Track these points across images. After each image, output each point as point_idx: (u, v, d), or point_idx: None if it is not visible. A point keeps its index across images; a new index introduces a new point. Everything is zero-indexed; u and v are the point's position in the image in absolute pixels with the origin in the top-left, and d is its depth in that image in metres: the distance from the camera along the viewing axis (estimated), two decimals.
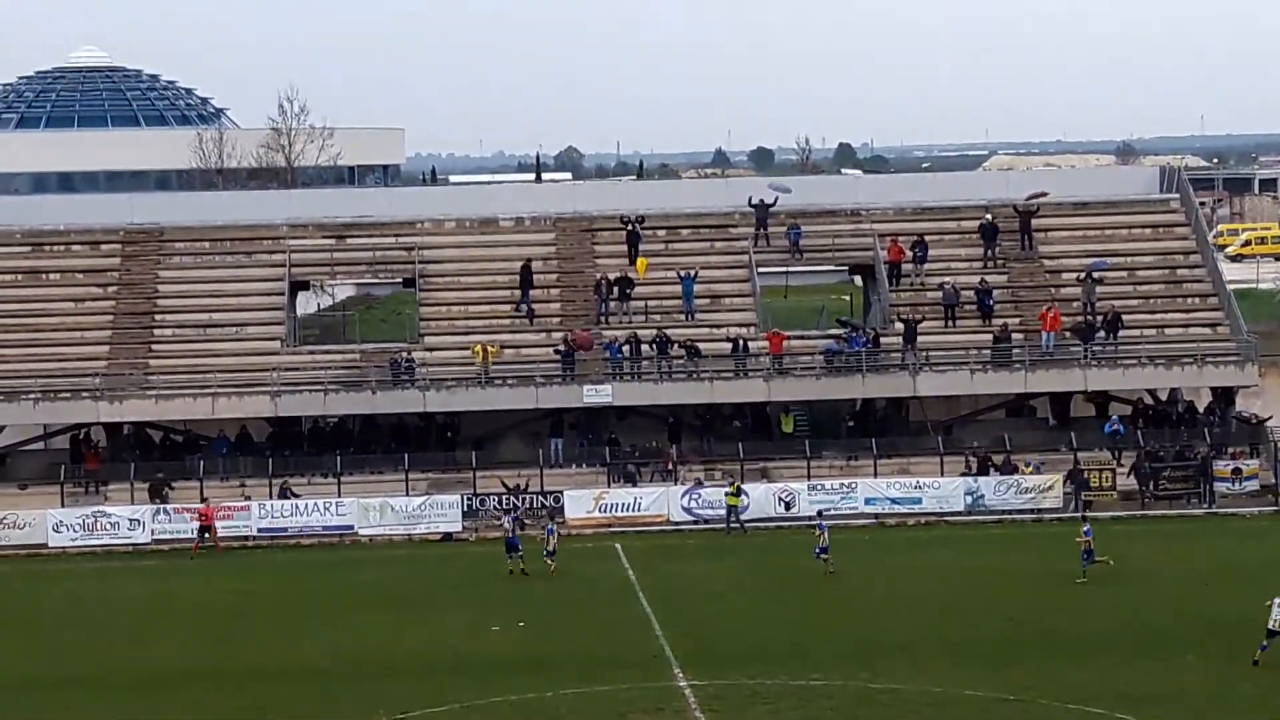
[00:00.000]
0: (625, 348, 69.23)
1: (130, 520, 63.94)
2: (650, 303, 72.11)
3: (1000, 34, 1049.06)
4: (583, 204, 77.42)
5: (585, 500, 65.30)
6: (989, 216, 74.04)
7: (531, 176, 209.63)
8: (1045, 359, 69.39)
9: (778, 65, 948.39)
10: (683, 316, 71.73)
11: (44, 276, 73.85)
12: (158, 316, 72.10)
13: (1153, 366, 69.34)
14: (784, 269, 75.79)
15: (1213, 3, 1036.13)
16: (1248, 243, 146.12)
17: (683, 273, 72.18)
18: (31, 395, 67.80)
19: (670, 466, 67.49)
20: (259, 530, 64.20)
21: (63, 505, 65.39)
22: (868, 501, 65.18)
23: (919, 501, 65.26)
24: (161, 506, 64.49)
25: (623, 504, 65.33)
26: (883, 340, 69.99)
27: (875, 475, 66.46)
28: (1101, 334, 69.80)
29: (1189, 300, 73.02)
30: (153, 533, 63.72)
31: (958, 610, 51.17)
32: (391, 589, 56.13)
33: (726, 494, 64.32)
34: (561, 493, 65.44)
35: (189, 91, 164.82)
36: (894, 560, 58.61)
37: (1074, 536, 54.57)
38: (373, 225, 75.58)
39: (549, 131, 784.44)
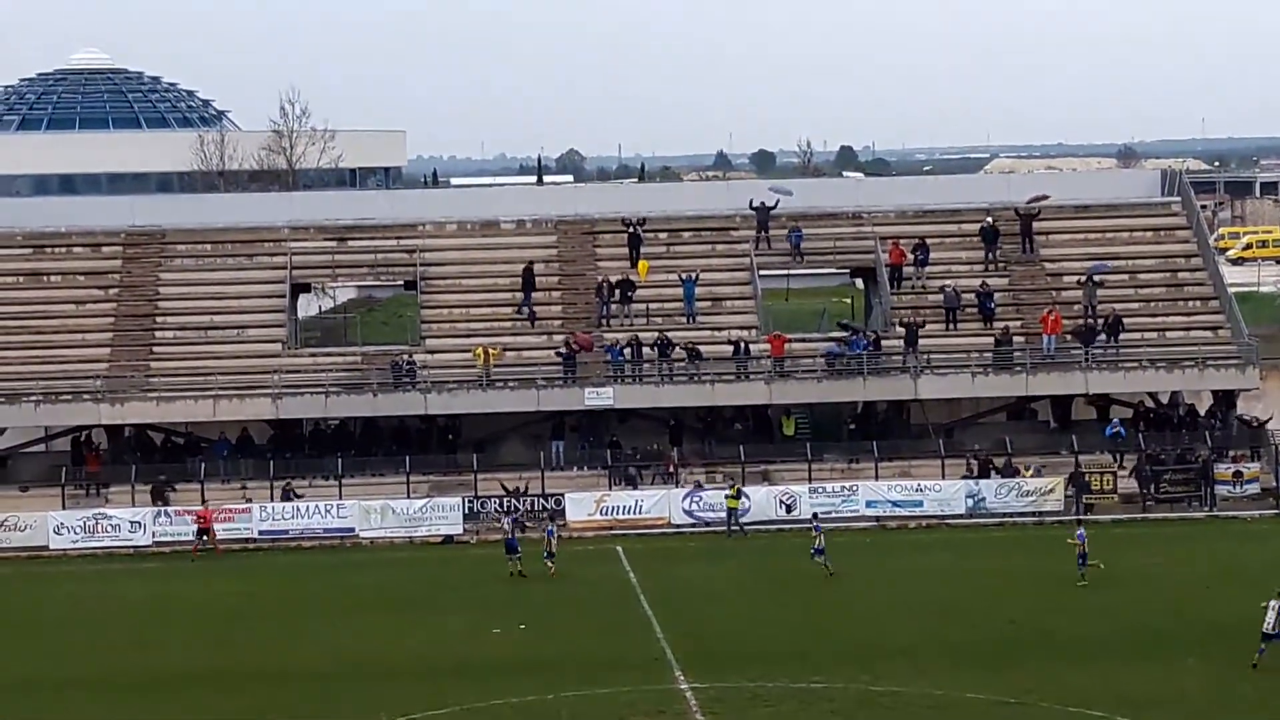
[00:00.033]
0: (626, 350, 69.23)
1: (131, 522, 63.96)
2: (651, 305, 72.12)
3: (1001, 37, 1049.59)
4: (584, 206, 77.45)
5: (586, 503, 65.30)
6: (990, 219, 74.04)
7: (533, 179, 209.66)
8: (1046, 362, 69.39)
9: (779, 68, 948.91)
10: (684, 319, 71.74)
11: (45, 279, 73.86)
12: (159, 319, 72.11)
13: (1154, 369, 69.36)
14: (785, 271, 75.89)
15: (1214, 5, 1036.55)
16: (1249, 246, 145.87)
17: (684, 275, 72.19)
18: (33, 397, 67.81)
19: (671, 469, 67.50)
20: (260, 532, 64.21)
21: (64, 507, 65.37)
22: (869, 504, 65.19)
23: (920, 504, 65.26)
24: (163, 509, 64.50)
25: (624, 506, 65.33)
26: (884, 343, 69.99)
27: (876, 478, 66.46)
28: (1102, 337, 69.79)
29: (1190, 303, 73.02)
30: (154, 535, 63.75)
31: (959, 613, 51.19)
32: (392, 591, 56.16)
33: (726, 496, 64.35)
34: (563, 495, 65.44)
35: (190, 94, 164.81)
36: (895, 563, 58.62)
37: (1075, 540, 54.56)
38: (374, 227, 75.58)
39: (550, 134, 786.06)
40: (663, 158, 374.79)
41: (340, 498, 65.37)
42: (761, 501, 64.87)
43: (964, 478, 66.22)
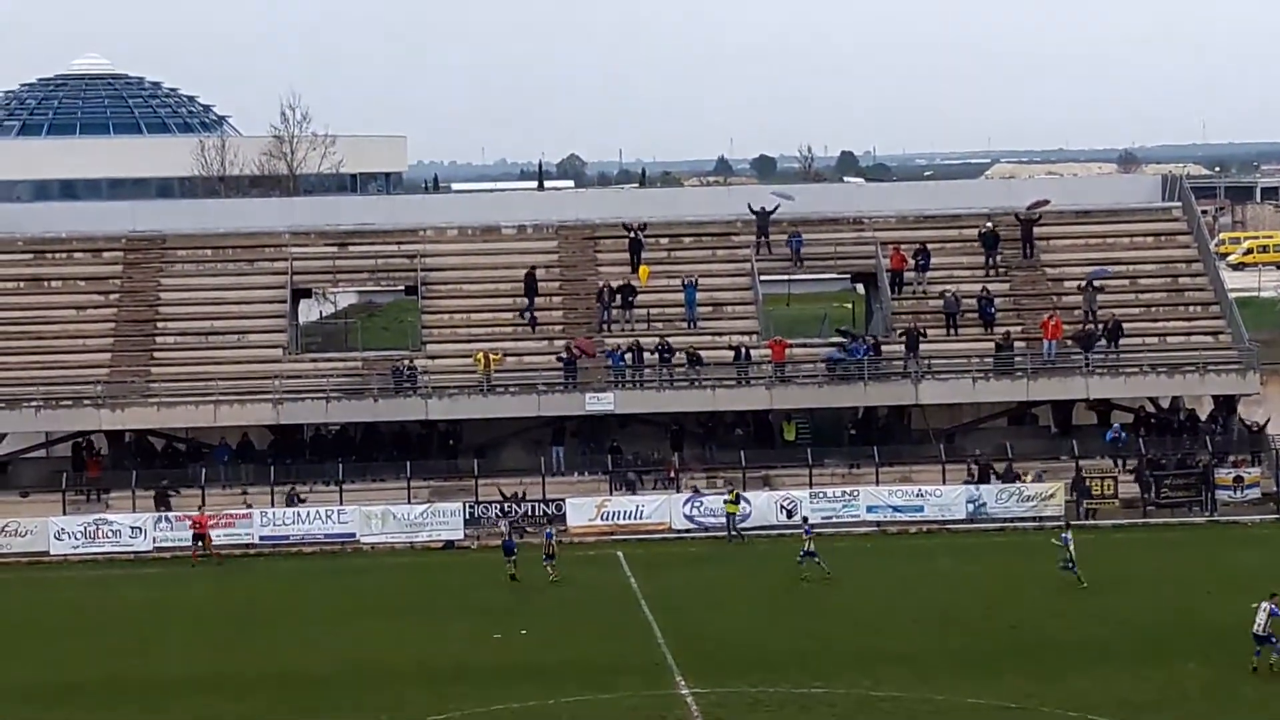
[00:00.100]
0: (627, 356, 69.24)
1: (132, 528, 63.94)
2: (653, 310, 72.13)
3: (1002, 42, 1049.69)
4: (585, 212, 77.52)
5: (587, 508, 65.28)
6: (991, 224, 74.05)
7: (534, 184, 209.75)
8: (1047, 367, 69.39)
9: (780, 73, 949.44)
10: (685, 324, 71.74)
11: (46, 284, 73.89)
12: (160, 324, 72.13)
13: (1154, 374, 69.36)
14: (786, 277, 75.90)
15: (1215, 10, 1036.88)
16: (1249, 251, 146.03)
17: (685, 280, 72.20)
18: (33, 403, 67.83)
19: (672, 474, 67.50)
20: (261, 538, 64.19)
21: (64, 513, 65.36)
22: (870, 509, 65.19)
23: (921, 509, 65.26)
24: (164, 514, 64.49)
25: (625, 512, 65.33)
26: (884, 348, 69.99)
27: (877, 483, 66.46)
28: (1103, 342, 69.79)
29: (1191, 308, 73.02)
30: (154, 540, 63.72)
31: (959, 618, 51.17)
32: (393, 596, 56.15)
33: (726, 502, 64.33)
34: (563, 500, 65.43)
35: (191, 99, 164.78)
36: (896, 568, 58.62)
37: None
38: (375, 233, 75.61)
39: (551, 139, 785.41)
40: (664, 163, 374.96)
41: (341, 503, 65.38)
42: (762, 507, 64.87)
43: (965, 483, 66.23)
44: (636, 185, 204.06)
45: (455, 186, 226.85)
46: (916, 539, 63.70)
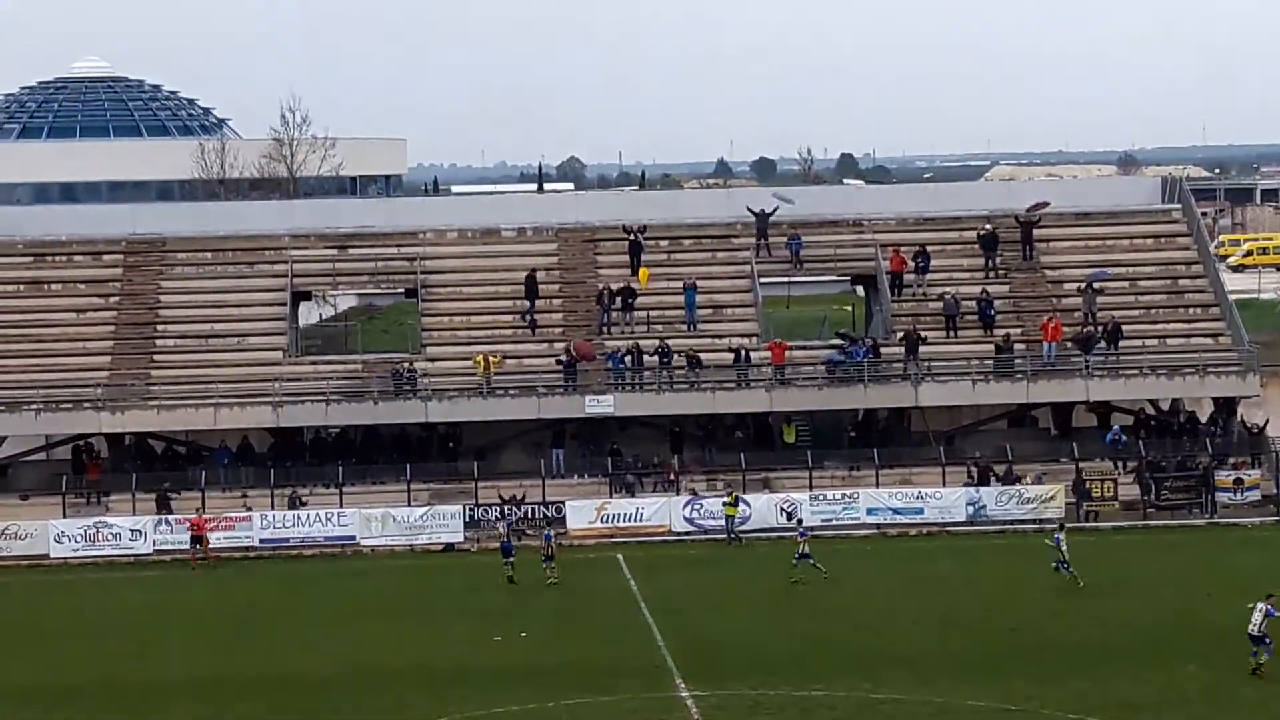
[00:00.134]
0: (627, 358, 69.24)
1: (132, 531, 63.95)
2: (652, 313, 72.13)
3: (1002, 43, 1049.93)
4: (585, 214, 77.51)
5: (587, 511, 65.28)
6: (990, 226, 74.05)
7: (534, 187, 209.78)
8: (1047, 369, 69.39)
9: (780, 74, 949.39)
10: (685, 327, 71.74)
11: (46, 287, 73.88)
12: (159, 327, 72.13)
13: (1154, 377, 69.35)
14: (786, 279, 75.87)
15: (1215, 10, 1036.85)
16: (1249, 253, 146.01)
17: (685, 283, 72.19)
18: (33, 406, 67.81)
19: (672, 477, 67.49)
20: (261, 541, 64.19)
21: (64, 516, 65.36)
22: (870, 512, 65.19)
23: (921, 512, 65.26)
24: (164, 517, 64.48)
25: (625, 514, 65.32)
26: (884, 350, 69.99)
27: (877, 485, 66.46)
28: (1103, 344, 69.78)
29: (1190, 310, 73.02)
30: (154, 543, 63.72)
31: (960, 620, 51.16)
32: (393, 599, 56.14)
33: (724, 504, 64.32)
34: (563, 503, 65.43)
35: (191, 102, 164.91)
36: (896, 570, 58.60)
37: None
38: (375, 235, 75.62)
39: (551, 142, 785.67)
40: (663, 165, 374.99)
41: (341, 506, 65.38)
42: (762, 509, 64.86)
43: (965, 485, 66.23)
44: (636, 188, 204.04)
45: (455, 189, 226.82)
46: (916, 541, 63.70)
